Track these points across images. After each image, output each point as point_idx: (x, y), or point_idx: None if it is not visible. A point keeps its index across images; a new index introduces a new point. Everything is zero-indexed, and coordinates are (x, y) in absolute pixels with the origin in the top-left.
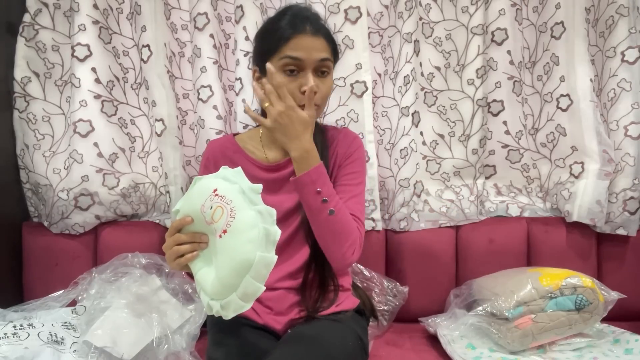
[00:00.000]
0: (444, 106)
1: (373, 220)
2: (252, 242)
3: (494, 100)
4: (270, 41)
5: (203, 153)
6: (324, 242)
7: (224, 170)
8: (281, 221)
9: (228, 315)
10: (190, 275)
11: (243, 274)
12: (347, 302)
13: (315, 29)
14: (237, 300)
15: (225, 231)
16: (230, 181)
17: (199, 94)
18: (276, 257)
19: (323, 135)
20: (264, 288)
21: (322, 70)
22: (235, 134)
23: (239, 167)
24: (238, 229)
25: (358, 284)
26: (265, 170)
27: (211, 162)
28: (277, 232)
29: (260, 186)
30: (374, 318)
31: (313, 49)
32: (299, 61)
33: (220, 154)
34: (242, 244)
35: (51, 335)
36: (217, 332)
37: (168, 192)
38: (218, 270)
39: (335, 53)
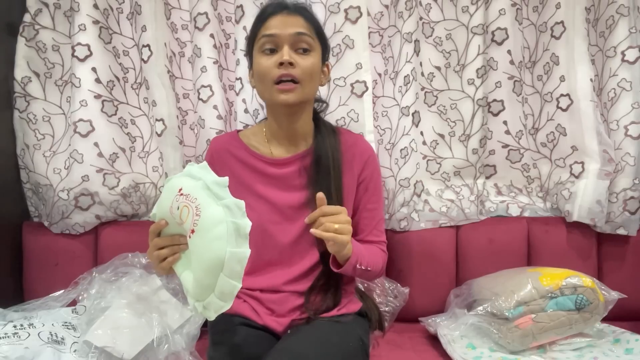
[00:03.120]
0: (444, 106)
1: None
2: (221, 239)
3: (494, 100)
4: (252, 29)
5: (207, 151)
6: (366, 280)
7: (190, 166)
8: (287, 220)
9: (211, 316)
10: None
11: (217, 273)
12: (350, 305)
13: (293, 10)
14: (216, 300)
15: (193, 231)
16: (195, 178)
17: (199, 93)
18: (249, 251)
19: (335, 138)
20: (240, 285)
21: (302, 47)
22: (238, 131)
23: (205, 162)
24: (205, 226)
25: (362, 288)
26: (271, 165)
27: (215, 159)
28: (247, 225)
29: (226, 179)
30: (380, 329)
31: (287, 25)
32: (273, 37)
33: (224, 151)
34: (210, 242)
35: (51, 335)
36: (217, 333)
37: None
38: (194, 272)
39: (320, 36)
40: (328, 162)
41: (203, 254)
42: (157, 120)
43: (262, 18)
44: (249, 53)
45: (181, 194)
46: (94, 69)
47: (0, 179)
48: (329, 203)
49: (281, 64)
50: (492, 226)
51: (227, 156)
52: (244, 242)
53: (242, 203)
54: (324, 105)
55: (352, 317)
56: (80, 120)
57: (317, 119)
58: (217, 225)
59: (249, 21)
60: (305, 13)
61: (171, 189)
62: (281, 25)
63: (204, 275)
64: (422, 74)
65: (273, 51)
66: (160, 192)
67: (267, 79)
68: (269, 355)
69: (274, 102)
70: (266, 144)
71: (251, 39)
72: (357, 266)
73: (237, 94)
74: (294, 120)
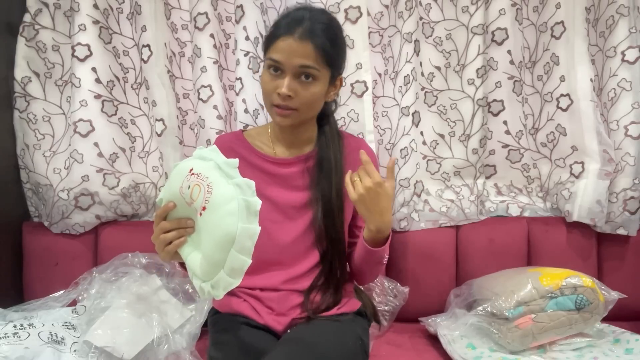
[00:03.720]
0: (444, 106)
1: None
2: (232, 215)
3: (494, 100)
4: (267, 38)
5: None
6: (367, 276)
7: (200, 150)
8: (289, 219)
9: (219, 294)
10: (184, 266)
11: (227, 248)
12: (349, 304)
13: (305, 34)
14: (225, 277)
15: (204, 208)
16: (206, 159)
17: (199, 93)
18: (259, 228)
19: (339, 141)
20: (250, 261)
21: (306, 75)
22: (243, 130)
23: (214, 145)
24: (216, 203)
25: (361, 287)
26: (274, 164)
27: None
28: (257, 203)
29: (236, 160)
30: (376, 322)
31: (294, 54)
32: (278, 64)
33: (227, 149)
34: (221, 218)
35: (51, 335)
36: (218, 332)
37: None
38: (203, 250)
39: (330, 62)
40: (330, 165)
41: (214, 229)
42: (157, 120)
43: (275, 35)
44: (263, 53)
45: (192, 174)
46: (94, 69)
47: (0, 179)
48: (329, 204)
49: (279, 93)
50: (492, 226)
51: (230, 155)
52: (255, 219)
53: (252, 183)
54: (334, 106)
55: (352, 316)
56: (80, 120)
57: (322, 122)
58: (228, 202)
59: (249, 21)
60: (317, 39)
61: (181, 171)
62: (288, 53)
63: (214, 251)
64: (422, 74)
65: (278, 71)
66: (161, 192)
67: (267, 99)
68: (269, 356)
69: (273, 119)
70: (270, 145)
71: (265, 48)
72: (386, 255)
73: (237, 94)
74: (296, 132)
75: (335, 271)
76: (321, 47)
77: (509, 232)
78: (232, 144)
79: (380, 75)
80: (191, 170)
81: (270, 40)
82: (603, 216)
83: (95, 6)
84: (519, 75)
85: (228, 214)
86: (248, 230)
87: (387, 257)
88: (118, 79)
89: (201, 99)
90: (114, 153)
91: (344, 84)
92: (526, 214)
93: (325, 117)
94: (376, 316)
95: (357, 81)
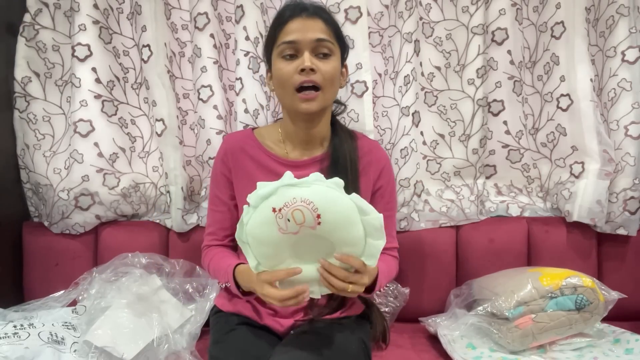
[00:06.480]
0: (444, 106)
1: None
2: (341, 195)
3: (494, 100)
4: (270, 32)
5: (219, 148)
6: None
7: (255, 196)
8: None
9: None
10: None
11: (357, 217)
12: (352, 308)
13: (312, 12)
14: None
15: (319, 215)
16: (270, 194)
17: (199, 93)
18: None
19: (353, 142)
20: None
21: (323, 52)
22: (253, 129)
23: (260, 184)
24: (323, 201)
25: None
26: (286, 166)
27: (229, 157)
28: (338, 179)
29: (287, 173)
30: (383, 342)
31: (308, 30)
32: (294, 44)
33: (238, 149)
34: (341, 204)
35: (51, 335)
36: (219, 331)
37: (168, 192)
38: (341, 238)
39: (339, 39)
40: (346, 166)
41: (339, 214)
42: (157, 120)
43: (281, 22)
44: (267, 56)
45: (279, 211)
46: (94, 69)
47: (0, 179)
48: None
49: (302, 70)
50: (492, 226)
51: (241, 155)
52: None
53: (316, 174)
54: (342, 107)
55: (354, 319)
56: (80, 120)
57: (334, 122)
58: (328, 192)
59: (249, 21)
60: (325, 15)
61: (263, 223)
62: (301, 31)
63: (355, 232)
64: (422, 74)
65: (293, 56)
66: (161, 192)
67: (288, 85)
68: (271, 358)
69: (295, 110)
70: (281, 145)
71: (269, 43)
72: (378, 292)
73: (237, 94)
74: (312, 126)
75: None
76: (331, 22)
77: (509, 232)
78: (243, 143)
79: (380, 75)
80: (274, 209)
81: (276, 28)
82: (603, 216)
83: (95, 6)
84: (519, 75)
85: (338, 198)
86: (354, 199)
87: (387, 283)
88: (118, 79)
89: (201, 99)
90: (114, 153)
91: (349, 73)
92: (526, 214)
93: (334, 118)
94: (385, 335)
95: (357, 81)
